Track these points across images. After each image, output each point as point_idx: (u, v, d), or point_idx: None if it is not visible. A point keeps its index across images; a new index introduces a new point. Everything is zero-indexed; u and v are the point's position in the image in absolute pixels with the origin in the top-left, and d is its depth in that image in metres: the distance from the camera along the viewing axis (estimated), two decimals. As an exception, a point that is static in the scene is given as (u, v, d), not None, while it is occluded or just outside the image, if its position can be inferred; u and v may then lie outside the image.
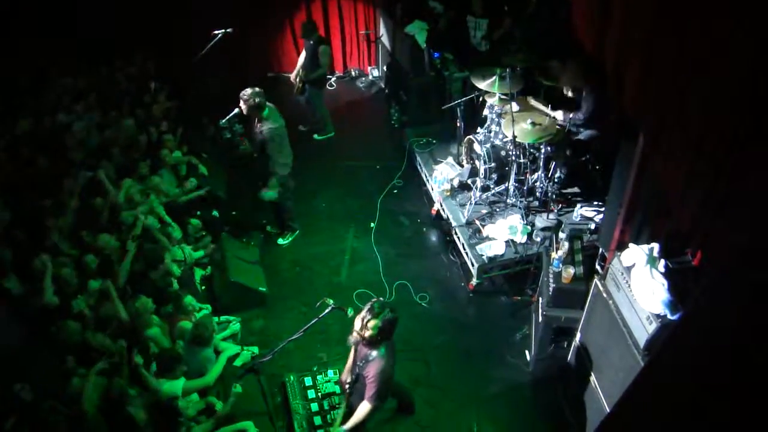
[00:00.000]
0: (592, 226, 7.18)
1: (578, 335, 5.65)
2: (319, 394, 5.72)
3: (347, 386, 5.04)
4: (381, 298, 4.79)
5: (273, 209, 8.01)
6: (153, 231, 6.76)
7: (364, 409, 4.80)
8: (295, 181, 7.71)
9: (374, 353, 4.72)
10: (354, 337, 4.74)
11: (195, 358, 5.68)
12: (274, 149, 7.07)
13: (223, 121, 7.16)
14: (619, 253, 4.92)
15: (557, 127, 7.10)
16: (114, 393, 4.96)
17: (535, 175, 7.48)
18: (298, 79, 9.70)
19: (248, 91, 6.89)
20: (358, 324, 4.68)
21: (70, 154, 7.73)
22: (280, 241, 8.13)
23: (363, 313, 4.66)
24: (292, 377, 5.87)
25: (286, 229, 8.16)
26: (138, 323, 5.71)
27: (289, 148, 7.35)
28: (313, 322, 4.99)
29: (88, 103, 8.70)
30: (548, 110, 7.36)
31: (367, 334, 4.63)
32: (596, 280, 5.22)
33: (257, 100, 6.87)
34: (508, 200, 7.64)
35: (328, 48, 9.46)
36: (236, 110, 7.02)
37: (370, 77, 12.16)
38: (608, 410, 4.91)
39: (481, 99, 8.09)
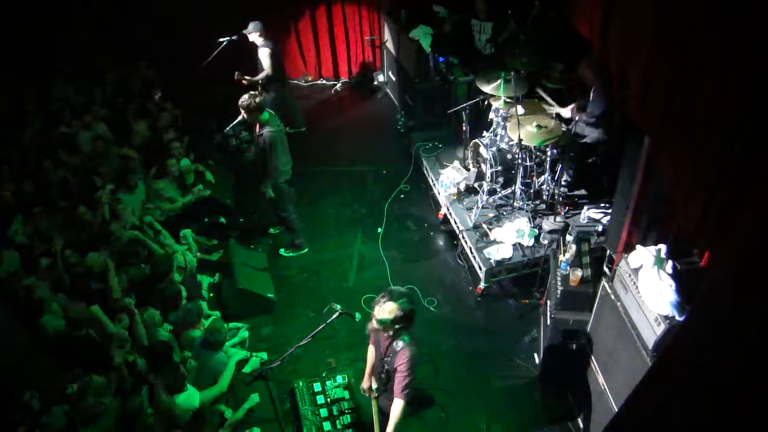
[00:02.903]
0: (600, 228, 7.16)
1: (587, 337, 5.63)
2: (329, 399, 5.72)
3: (374, 391, 5.03)
4: (402, 288, 4.75)
5: (281, 221, 8.04)
6: (145, 241, 6.79)
7: (398, 406, 4.72)
8: (296, 190, 7.71)
9: (400, 343, 4.68)
10: (373, 323, 4.69)
11: (207, 363, 5.69)
12: (273, 152, 7.07)
13: (228, 128, 7.19)
14: (626, 255, 4.91)
15: (563, 129, 7.10)
16: (130, 410, 4.98)
17: (542, 178, 7.47)
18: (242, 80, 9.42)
19: (245, 96, 6.91)
20: (377, 311, 4.64)
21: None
22: (283, 252, 8.12)
23: (380, 299, 4.64)
24: (301, 383, 5.87)
25: (292, 246, 8.13)
26: (146, 335, 5.72)
27: (288, 154, 7.39)
28: (321, 327, 5.00)
29: (94, 113, 8.75)
30: (555, 106, 7.34)
31: (385, 318, 4.59)
32: (604, 282, 5.21)
33: (256, 100, 6.89)
34: (514, 203, 7.64)
35: (267, 49, 9.17)
36: (240, 117, 7.04)
37: (375, 82, 12.18)
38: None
39: (486, 102, 8.09)
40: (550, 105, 7.46)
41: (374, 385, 5.14)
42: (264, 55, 9.19)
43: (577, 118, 7.20)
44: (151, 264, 6.54)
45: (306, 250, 8.13)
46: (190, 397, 5.31)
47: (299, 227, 8.03)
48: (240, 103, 6.92)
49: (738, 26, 3.97)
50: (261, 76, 9.29)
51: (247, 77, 9.18)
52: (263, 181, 7.34)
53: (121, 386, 5.33)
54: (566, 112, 7.26)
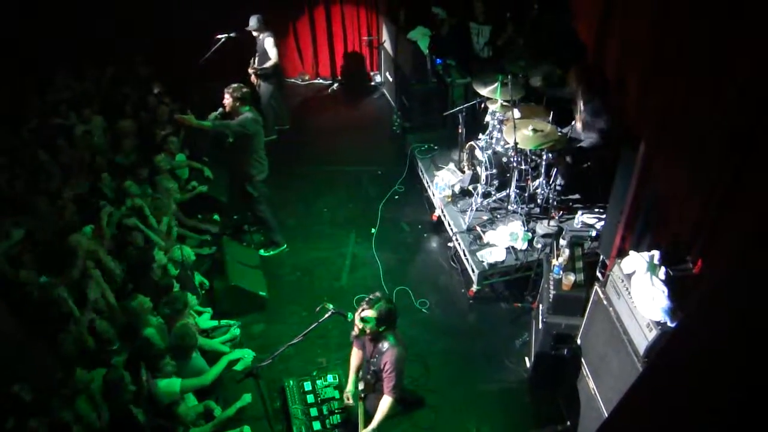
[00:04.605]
0: (593, 233, 7.17)
1: (578, 342, 5.64)
2: (319, 398, 5.72)
3: (360, 392, 5.04)
4: (378, 293, 4.81)
5: (256, 219, 8.00)
6: (139, 226, 6.76)
7: (386, 403, 4.79)
8: (291, 188, 7.68)
9: (385, 344, 4.76)
10: (355, 330, 4.79)
11: (185, 368, 5.64)
12: (248, 142, 7.14)
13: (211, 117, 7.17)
14: (619, 261, 4.91)
15: (558, 133, 7.11)
16: (111, 378, 4.96)
17: (537, 182, 7.48)
18: (255, 77, 9.79)
19: (234, 85, 7.05)
20: (358, 319, 4.77)
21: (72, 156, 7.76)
22: (263, 252, 8.03)
23: (361, 306, 4.75)
24: (291, 382, 5.87)
25: (271, 244, 8.07)
26: (135, 322, 5.69)
27: (263, 151, 7.44)
28: (312, 326, 4.99)
29: (92, 108, 8.72)
30: (567, 129, 7.33)
31: (367, 326, 4.71)
32: (596, 287, 5.21)
33: (243, 91, 7.04)
34: (509, 207, 7.64)
35: (272, 39, 9.45)
36: (220, 109, 7.08)
37: (372, 83, 12.18)
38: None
39: (483, 105, 8.10)
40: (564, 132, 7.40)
41: (360, 387, 5.15)
42: (270, 44, 9.39)
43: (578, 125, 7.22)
44: (130, 257, 6.52)
45: (284, 246, 8.10)
46: (172, 384, 5.29)
47: (274, 225, 8.00)
48: (228, 88, 7.03)
49: (736, 30, 3.98)
50: (269, 64, 9.50)
51: (256, 68, 9.58)
52: (243, 177, 7.40)
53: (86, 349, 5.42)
54: (579, 125, 7.26)
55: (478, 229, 7.48)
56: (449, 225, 7.84)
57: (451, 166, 8.54)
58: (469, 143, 7.86)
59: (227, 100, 7.02)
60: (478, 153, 7.61)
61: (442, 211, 8.07)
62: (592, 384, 5.30)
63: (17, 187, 7.12)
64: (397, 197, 9.05)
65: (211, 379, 5.64)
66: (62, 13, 9.62)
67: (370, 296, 4.75)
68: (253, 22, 9.32)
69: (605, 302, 5.00)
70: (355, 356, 5.28)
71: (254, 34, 9.44)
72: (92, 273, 5.96)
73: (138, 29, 9.98)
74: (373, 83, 12.16)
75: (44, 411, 4.73)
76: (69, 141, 8.00)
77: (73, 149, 7.90)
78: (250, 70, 9.69)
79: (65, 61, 9.72)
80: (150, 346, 5.53)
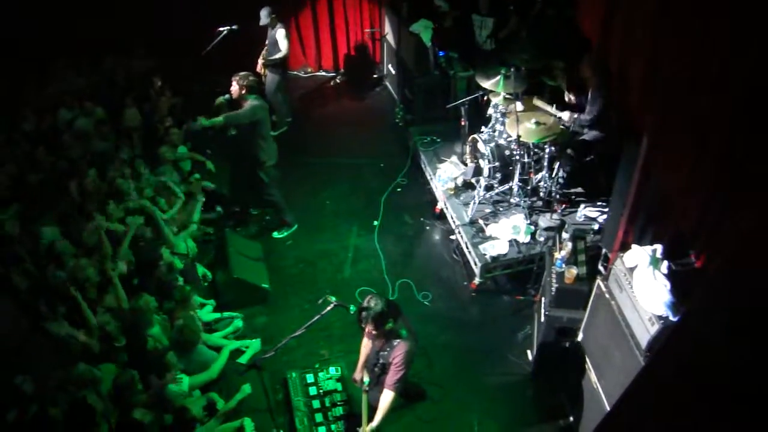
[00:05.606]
0: (596, 226, 7.17)
1: (580, 335, 5.64)
2: (321, 390, 5.76)
3: (365, 384, 5.06)
4: (363, 304, 4.78)
5: (266, 204, 8.15)
6: (157, 220, 6.75)
7: (388, 398, 4.82)
8: (293, 181, 7.72)
9: (397, 338, 4.79)
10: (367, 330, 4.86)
11: (189, 360, 5.65)
12: (256, 129, 7.24)
13: (218, 101, 7.25)
14: (622, 254, 4.91)
15: (561, 127, 7.10)
16: (123, 382, 4.96)
17: (539, 175, 7.47)
18: (262, 67, 9.89)
19: (241, 73, 7.17)
20: (366, 329, 4.80)
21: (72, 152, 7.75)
22: (276, 234, 8.14)
23: (362, 325, 4.77)
24: (293, 374, 5.90)
25: (282, 225, 8.18)
26: (139, 321, 5.70)
27: (270, 137, 7.58)
28: (315, 319, 5.01)
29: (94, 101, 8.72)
30: (554, 110, 7.34)
31: (377, 332, 4.76)
32: (599, 280, 5.21)
33: (250, 79, 7.15)
34: (511, 200, 7.64)
35: (284, 30, 9.54)
36: (227, 95, 7.16)
37: (375, 75, 12.15)
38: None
39: (485, 98, 8.08)
40: (551, 113, 7.39)
41: (366, 379, 5.16)
42: (281, 36, 9.45)
43: (575, 116, 7.19)
44: (138, 252, 6.51)
45: (296, 226, 8.20)
46: (180, 383, 5.31)
47: (285, 206, 8.10)
48: (235, 76, 7.14)
49: (738, 27, 3.97)
50: (279, 56, 9.56)
51: (264, 60, 9.71)
52: (254, 164, 7.50)
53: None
54: (566, 115, 7.24)
55: (481, 221, 7.48)
56: (452, 218, 7.84)
57: (454, 158, 8.53)
58: (472, 136, 7.85)
59: (234, 87, 7.14)
60: (480, 146, 7.59)
61: (445, 204, 8.06)
62: (594, 377, 5.31)
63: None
64: (399, 190, 9.04)
65: (217, 371, 5.65)
66: (62, 6, 9.61)
67: (362, 315, 4.70)
68: (263, 15, 9.38)
69: (607, 296, 5.00)
70: (365, 346, 5.30)
71: (268, 27, 9.52)
72: (111, 275, 5.96)
73: (139, 22, 9.96)
74: (375, 76, 12.12)
75: (49, 403, 4.74)
76: (72, 135, 7.99)
77: (77, 143, 7.89)
78: (260, 61, 9.77)
79: (65, 54, 9.69)
80: (157, 350, 5.54)
